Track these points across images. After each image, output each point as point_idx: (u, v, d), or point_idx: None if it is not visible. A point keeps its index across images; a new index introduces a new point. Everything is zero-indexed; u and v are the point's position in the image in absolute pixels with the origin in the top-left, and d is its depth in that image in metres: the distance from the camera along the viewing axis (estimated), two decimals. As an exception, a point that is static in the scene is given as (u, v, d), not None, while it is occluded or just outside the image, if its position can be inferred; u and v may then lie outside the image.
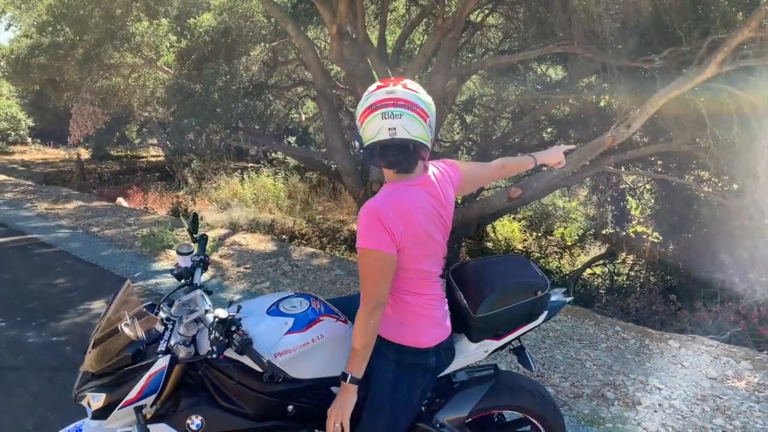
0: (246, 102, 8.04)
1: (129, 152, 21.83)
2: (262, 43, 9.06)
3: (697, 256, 7.02)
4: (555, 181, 6.12)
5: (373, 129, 1.70)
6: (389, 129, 1.68)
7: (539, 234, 12.07)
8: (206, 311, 1.72)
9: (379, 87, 1.72)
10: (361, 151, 1.76)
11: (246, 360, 1.70)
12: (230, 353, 1.71)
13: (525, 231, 12.41)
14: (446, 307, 1.94)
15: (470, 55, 9.19)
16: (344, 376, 1.73)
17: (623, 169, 7.36)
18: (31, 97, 18.64)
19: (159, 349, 1.71)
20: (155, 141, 21.23)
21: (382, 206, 1.70)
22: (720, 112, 5.15)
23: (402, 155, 1.73)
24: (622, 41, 5.24)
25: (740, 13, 5.01)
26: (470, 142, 10.65)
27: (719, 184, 6.81)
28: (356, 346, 1.73)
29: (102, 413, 1.72)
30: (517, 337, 2.07)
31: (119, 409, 1.69)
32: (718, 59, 4.48)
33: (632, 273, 8.82)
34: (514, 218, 12.56)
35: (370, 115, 1.70)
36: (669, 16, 4.91)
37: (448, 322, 1.93)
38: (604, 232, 10.33)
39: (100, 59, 9.33)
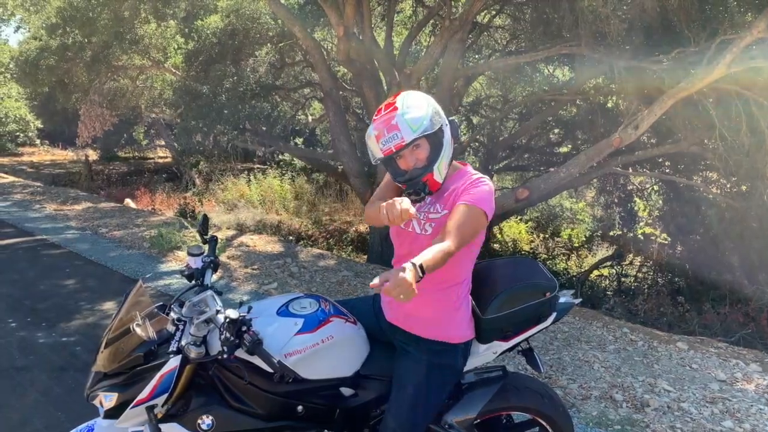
0: (253, 103, 8.08)
1: (136, 153, 21.91)
2: (269, 45, 9.09)
3: (705, 257, 6.99)
4: (562, 182, 6.11)
5: None
6: None
7: (546, 235, 12.04)
8: (217, 312, 1.73)
9: None
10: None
11: (256, 360, 1.71)
12: (241, 353, 1.72)
13: (532, 232, 12.39)
14: (470, 309, 1.96)
15: (477, 56, 9.18)
16: (419, 266, 1.52)
17: (631, 170, 7.34)
18: (39, 98, 18.70)
19: (170, 349, 1.73)
20: (163, 142, 21.29)
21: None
22: (728, 113, 5.14)
23: None
24: (630, 42, 5.22)
25: (749, 14, 4.99)
26: (477, 144, 10.66)
27: (727, 186, 6.78)
28: (448, 249, 1.63)
29: (114, 412, 1.74)
30: (526, 339, 2.08)
31: (131, 408, 1.71)
32: (726, 60, 4.46)
33: (640, 275, 8.78)
34: (521, 219, 12.55)
35: None
36: (677, 17, 4.89)
37: (472, 324, 1.95)
38: (611, 233, 10.29)
39: (108, 61, 9.39)
